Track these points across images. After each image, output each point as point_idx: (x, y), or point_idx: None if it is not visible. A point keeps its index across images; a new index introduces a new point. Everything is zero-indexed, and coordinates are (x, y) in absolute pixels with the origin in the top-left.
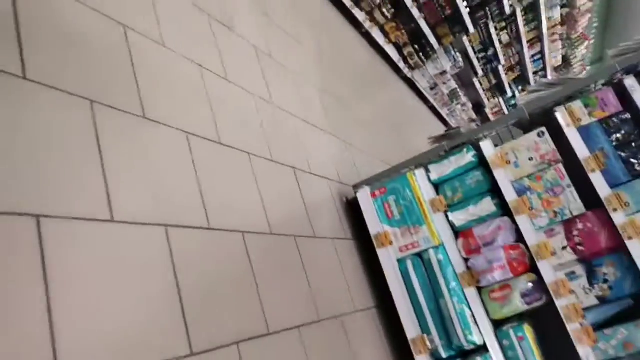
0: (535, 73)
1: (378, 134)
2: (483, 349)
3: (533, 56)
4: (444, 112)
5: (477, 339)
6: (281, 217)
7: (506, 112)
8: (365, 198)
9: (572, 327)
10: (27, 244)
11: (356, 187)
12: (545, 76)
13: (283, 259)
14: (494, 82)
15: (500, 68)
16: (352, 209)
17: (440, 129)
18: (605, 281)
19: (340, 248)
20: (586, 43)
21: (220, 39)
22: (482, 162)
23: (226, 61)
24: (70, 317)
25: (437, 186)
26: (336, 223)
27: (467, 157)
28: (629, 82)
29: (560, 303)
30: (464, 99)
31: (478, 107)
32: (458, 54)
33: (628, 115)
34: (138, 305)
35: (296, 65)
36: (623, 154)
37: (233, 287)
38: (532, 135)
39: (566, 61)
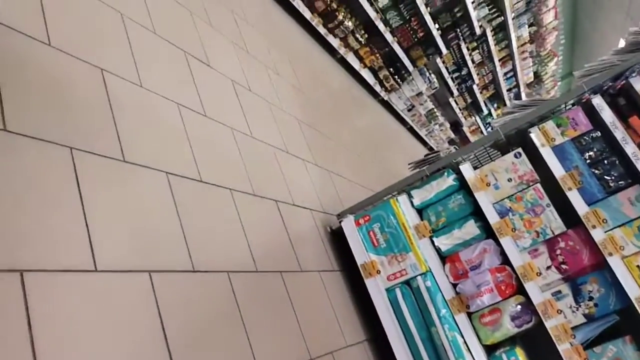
0: (509, 90)
1: (359, 159)
2: None
3: (506, 74)
4: (422, 133)
5: None
6: (266, 253)
7: (483, 129)
8: (349, 227)
9: (563, 347)
10: (11, 300)
11: (340, 216)
12: (518, 92)
13: (270, 296)
14: (469, 100)
15: (475, 87)
16: (337, 239)
17: (420, 150)
18: (591, 298)
19: (327, 280)
20: (555, 59)
21: (197, 75)
22: (463, 185)
23: (204, 97)
24: None
25: (420, 211)
26: (322, 254)
27: (448, 180)
28: (597, 101)
29: (549, 324)
30: (441, 119)
31: (456, 126)
32: (433, 75)
33: (598, 133)
34: (126, 354)
35: (275, 96)
36: (596, 171)
37: (220, 328)
38: (509, 156)
39: (538, 77)
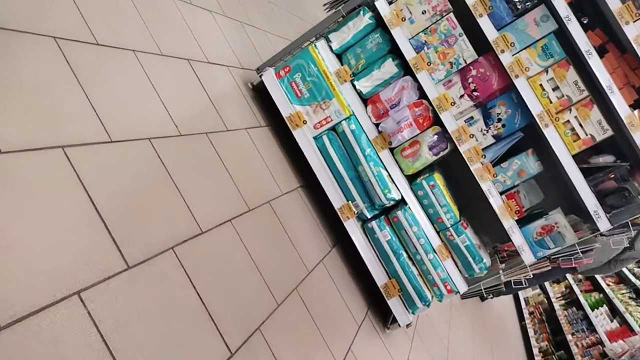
0: None
1: (271, 7)
2: (402, 202)
3: None
4: None
5: (395, 195)
6: (188, 115)
7: None
8: (271, 81)
9: (475, 167)
10: None
11: (259, 70)
12: None
13: (199, 158)
14: None
15: None
16: (260, 94)
17: None
18: (499, 120)
19: (256, 136)
20: None
21: None
22: (379, 24)
23: None
24: None
25: (340, 56)
26: (246, 111)
27: (365, 19)
28: None
29: (462, 148)
30: None
31: None
32: None
33: None
34: (59, 235)
35: None
36: None
37: (153, 195)
38: None
39: None
